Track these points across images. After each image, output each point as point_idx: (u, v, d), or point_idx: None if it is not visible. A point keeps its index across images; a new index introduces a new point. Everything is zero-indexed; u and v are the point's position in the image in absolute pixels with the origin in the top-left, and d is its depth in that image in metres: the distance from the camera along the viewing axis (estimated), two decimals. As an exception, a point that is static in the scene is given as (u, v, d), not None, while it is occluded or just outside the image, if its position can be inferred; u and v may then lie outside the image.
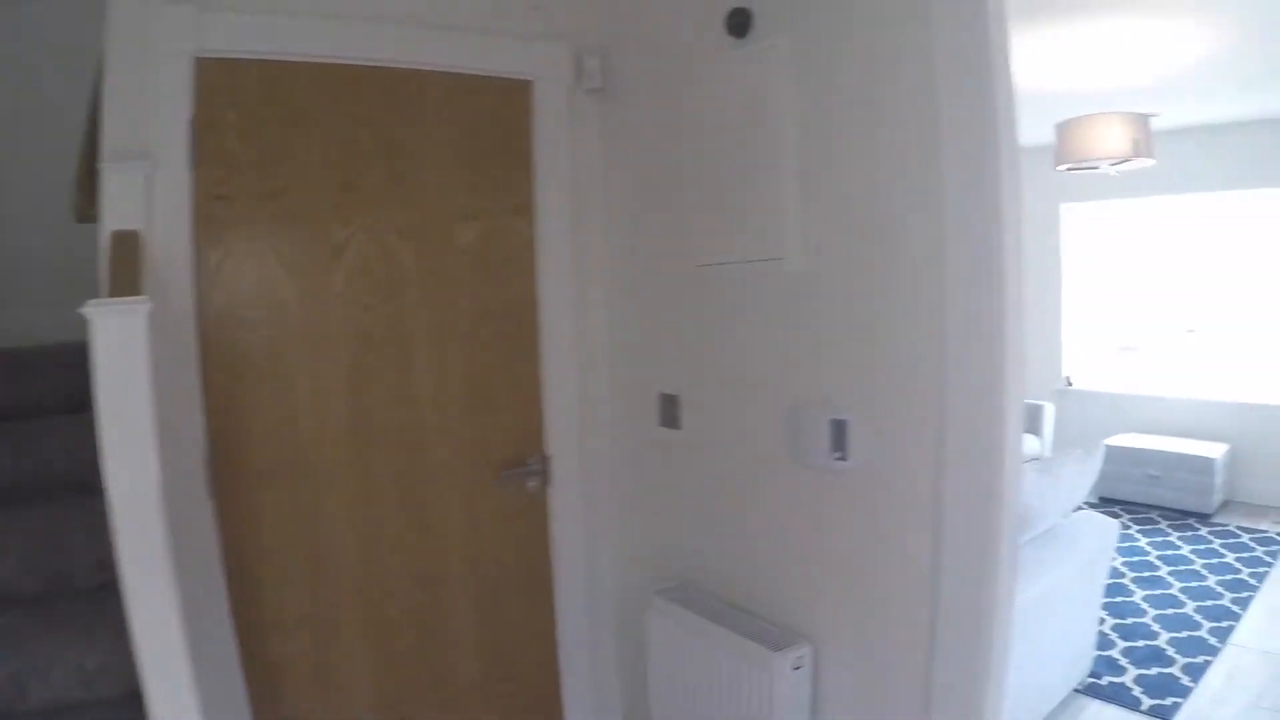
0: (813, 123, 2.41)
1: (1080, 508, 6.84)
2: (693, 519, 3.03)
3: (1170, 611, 5.35)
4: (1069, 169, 5.64)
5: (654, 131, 3.04)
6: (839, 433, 2.35)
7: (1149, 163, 5.44)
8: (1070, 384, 8.82)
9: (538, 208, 3.14)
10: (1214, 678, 4.50)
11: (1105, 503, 7.75)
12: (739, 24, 2.57)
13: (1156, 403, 8.24)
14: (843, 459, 2.34)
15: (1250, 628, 5.10)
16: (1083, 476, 4.03)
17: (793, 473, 2.56)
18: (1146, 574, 6.01)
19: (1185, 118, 7.20)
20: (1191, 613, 5.32)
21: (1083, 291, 8.83)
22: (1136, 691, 4.34)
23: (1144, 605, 5.47)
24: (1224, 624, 5.14)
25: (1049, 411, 7.98)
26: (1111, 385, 8.67)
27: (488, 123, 3.07)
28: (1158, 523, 7.19)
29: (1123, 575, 6.00)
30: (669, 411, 3.05)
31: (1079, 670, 4.34)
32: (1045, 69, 5.66)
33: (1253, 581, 5.80)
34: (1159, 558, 6.33)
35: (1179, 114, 7.03)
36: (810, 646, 2.51)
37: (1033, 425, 7.82)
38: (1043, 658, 3.69)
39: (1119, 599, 5.57)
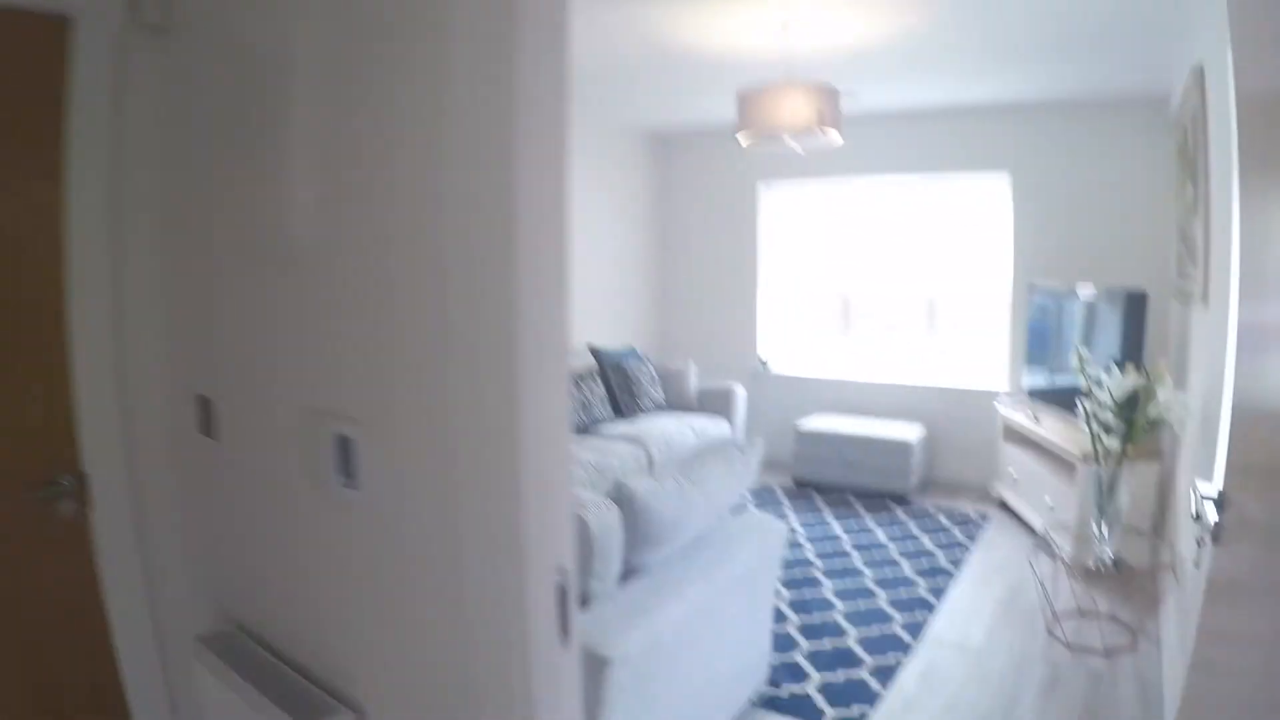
0: (338, 63, 1.80)
1: (748, 505, 6.61)
2: (242, 549, 2.41)
3: (862, 605, 4.79)
4: (751, 141, 5.19)
5: (215, 77, 2.29)
6: (345, 452, 1.80)
7: (836, 137, 5.04)
8: (765, 366, 8.41)
9: (72, 172, 2.38)
10: (906, 680, 3.95)
11: (801, 487, 7.33)
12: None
13: (855, 386, 7.97)
14: (352, 486, 1.76)
15: (946, 620, 4.62)
16: (734, 476, 3.36)
17: (315, 500, 1.99)
18: (839, 564, 5.45)
19: (881, 102, 6.98)
20: (885, 605, 4.79)
21: (787, 274, 8.49)
22: (819, 701, 3.73)
23: (834, 599, 4.87)
24: (918, 616, 4.63)
25: (740, 395, 7.48)
26: (811, 369, 8.32)
27: (11, 68, 2.28)
28: (854, 506, 6.76)
29: (814, 565, 5.41)
30: (206, 418, 2.40)
31: (753, 681, 3.68)
32: (735, 45, 5.23)
33: (949, 567, 5.38)
34: (853, 545, 5.80)
35: (874, 98, 6.80)
36: (354, 717, 1.90)
37: (723, 409, 7.37)
38: (701, 678, 3.10)
39: (807, 593, 4.95)
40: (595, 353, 7.24)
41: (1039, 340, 6.71)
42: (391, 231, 1.67)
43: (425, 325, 1.59)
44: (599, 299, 7.99)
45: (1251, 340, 2.02)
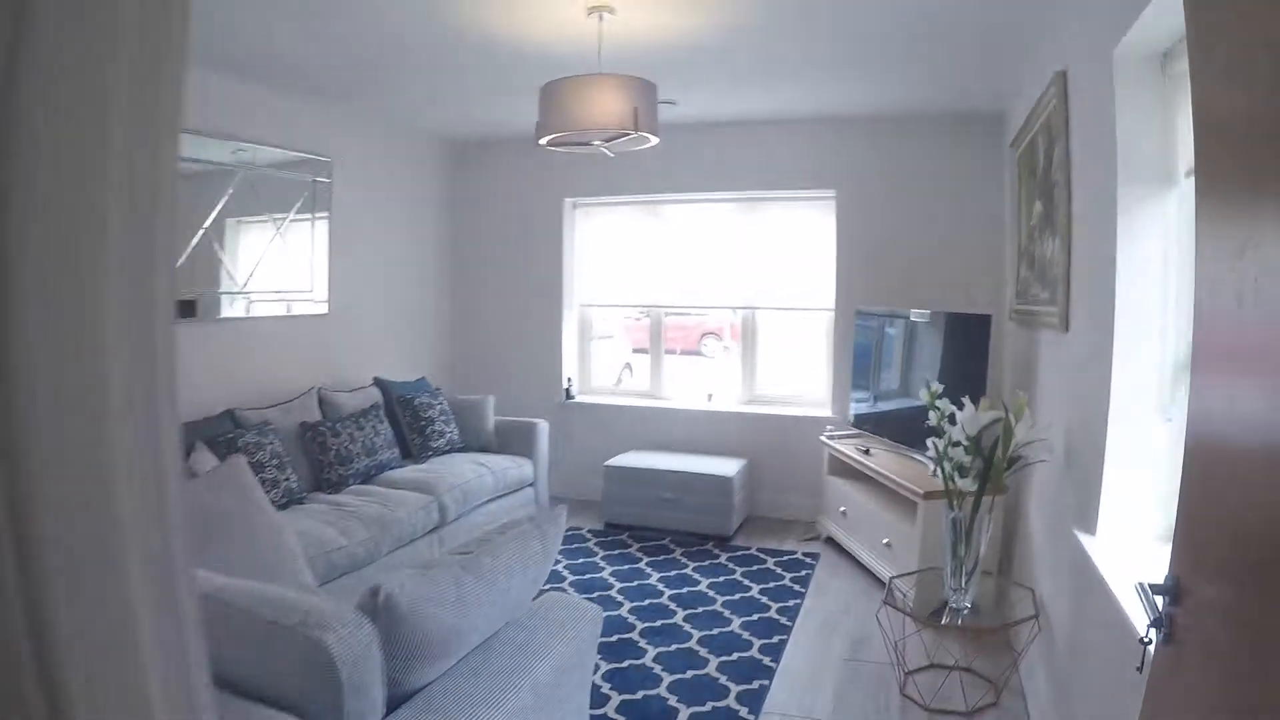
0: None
1: (558, 588, 5.47)
2: None
3: (690, 674, 4.12)
4: (552, 143, 4.50)
5: None
6: None
7: (651, 141, 4.42)
8: (571, 395, 7.73)
9: None
10: (747, 773, 3.44)
11: (613, 529, 6.64)
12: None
13: (670, 415, 7.38)
14: None
15: (787, 687, 4.02)
16: (531, 562, 2.55)
17: None
18: (660, 623, 4.78)
19: (700, 112, 6.48)
20: (715, 672, 4.14)
21: (597, 298, 7.84)
22: (647, 812, 3.20)
23: (659, 669, 4.18)
24: (755, 685, 4.01)
25: (543, 431, 6.70)
26: (622, 398, 7.73)
27: None
28: (673, 552, 6.10)
29: (632, 628, 4.72)
30: None
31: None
32: (539, 34, 4.56)
33: (784, 620, 4.81)
34: (674, 599, 5.16)
35: (693, 107, 6.29)
36: None
37: (525, 447, 6.59)
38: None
39: (627, 663, 4.26)
40: (381, 385, 6.40)
41: (865, 368, 6.32)
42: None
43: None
44: (385, 325, 7.12)
45: (1211, 372, 1.61)
